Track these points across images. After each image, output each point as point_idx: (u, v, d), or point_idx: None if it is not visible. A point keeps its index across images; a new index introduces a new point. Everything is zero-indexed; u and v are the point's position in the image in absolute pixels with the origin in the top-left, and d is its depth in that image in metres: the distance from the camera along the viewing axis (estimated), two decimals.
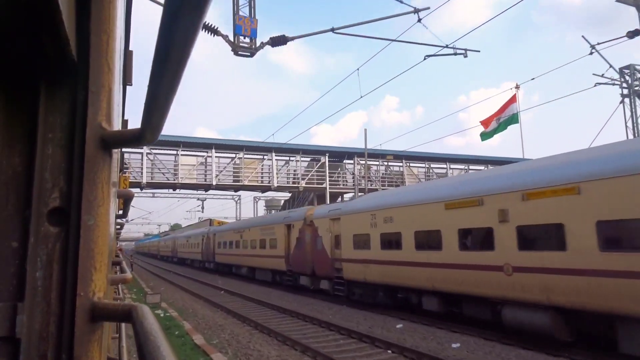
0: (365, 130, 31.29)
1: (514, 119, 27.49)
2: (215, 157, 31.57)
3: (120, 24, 1.19)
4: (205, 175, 31.15)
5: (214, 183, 30.92)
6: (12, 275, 0.80)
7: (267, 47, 10.60)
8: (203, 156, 31.15)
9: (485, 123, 28.27)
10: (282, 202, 54.25)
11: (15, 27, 0.75)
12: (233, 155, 32.28)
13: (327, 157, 34.62)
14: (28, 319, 0.79)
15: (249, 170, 32.11)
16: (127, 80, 2.52)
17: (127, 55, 2.59)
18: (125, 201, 4.27)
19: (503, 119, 27.45)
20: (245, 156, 32.50)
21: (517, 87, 27.12)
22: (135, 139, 0.87)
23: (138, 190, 29.45)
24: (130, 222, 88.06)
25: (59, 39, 0.74)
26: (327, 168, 34.47)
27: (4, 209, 0.81)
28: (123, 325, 4.39)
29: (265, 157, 32.89)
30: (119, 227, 5.70)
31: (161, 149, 30.15)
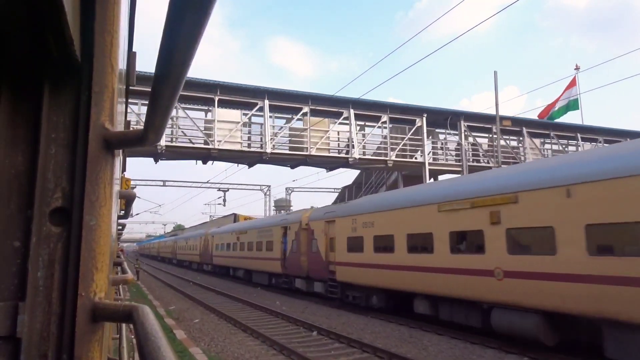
0: (496, 73, 20.80)
1: (573, 105, 25.44)
2: (269, 114, 20.64)
3: (124, 24, 1.20)
4: (250, 140, 20.77)
5: (269, 150, 20.11)
6: (14, 275, 0.80)
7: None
8: (247, 114, 20.55)
9: (544, 113, 26.50)
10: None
11: (20, 27, 0.76)
12: (289, 116, 21.74)
13: (424, 119, 23.65)
14: (29, 319, 0.79)
15: (317, 133, 21.30)
16: (130, 81, 2.52)
17: (131, 56, 2.59)
18: (127, 202, 4.28)
19: (561, 105, 25.60)
20: (311, 116, 21.35)
21: (577, 68, 24.66)
22: (138, 139, 0.87)
23: (151, 160, 21.11)
24: (135, 218, 73.25)
25: (63, 39, 0.74)
26: (424, 135, 23.66)
27: (6, 208, 0.82)
28: (124, 325, 4.40)
29: (334, 121, 22.05)
30: (120, 227, 5.71)
31: (189, 95, 19.33)
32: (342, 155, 22.02)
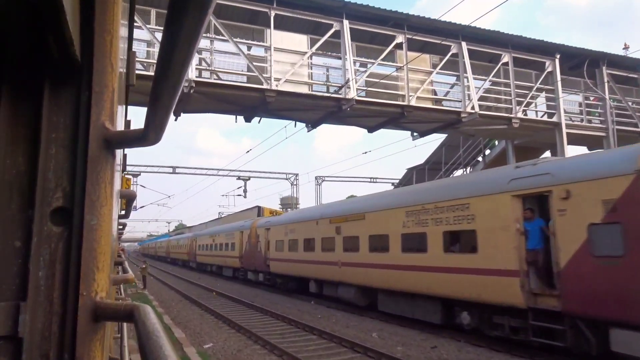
0: None
1: None
2: (350, 42, 13.31)
3: (124, 24, 1.20)
4: (310, 81, 13.42)
5: (353, 96, 12.97)
6: (15, 275, 0.80)
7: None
8: (317, 43, 13.04)
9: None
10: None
11: (20, 27, 0.76)
12: (364, 59, 14.03)
13: (557, 61, 16.46)
14: (31, 319, 0.79)
15: (415, 75, 14.26)
16: (129, 80, 2.52)
17: (130, 55, 2.59)
18: (128, 201, 4.28)
19: None
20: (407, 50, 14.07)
21: (626, 47, 23.11)
22: (138, 139, 0.87)
23: (172, 118, 11.83)
24: (138, 215, 63.52)
25: (63, 39, 0.74)
26: (559, 85, 16.32)
27: (7, 208, 0.82)
28: (125, 325, 4.40)
29: (435, 60, 14.89)
30: (121, 227, 5.70)
31: (230, 5, 12.36)
32: (453, 108, 14.74)
